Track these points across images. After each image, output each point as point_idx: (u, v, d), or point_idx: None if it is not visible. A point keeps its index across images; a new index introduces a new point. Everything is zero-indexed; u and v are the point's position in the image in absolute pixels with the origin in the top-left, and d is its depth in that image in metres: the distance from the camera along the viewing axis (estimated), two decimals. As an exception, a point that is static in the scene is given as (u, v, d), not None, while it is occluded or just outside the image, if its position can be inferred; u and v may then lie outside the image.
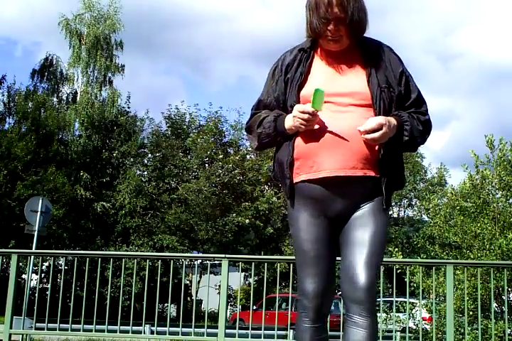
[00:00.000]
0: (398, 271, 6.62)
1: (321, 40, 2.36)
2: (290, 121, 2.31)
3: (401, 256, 8.25)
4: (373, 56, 2.39)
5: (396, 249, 8.33)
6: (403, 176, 2.45)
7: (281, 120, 2.35)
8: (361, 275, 2.21)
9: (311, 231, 2.33)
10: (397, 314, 7.22)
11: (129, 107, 28.30)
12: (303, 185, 2.33)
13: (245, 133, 2.49)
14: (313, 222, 2.33)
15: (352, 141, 2.25)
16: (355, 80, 2.34)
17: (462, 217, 8.37)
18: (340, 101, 2.30)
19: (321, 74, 2.37)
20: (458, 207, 8.50)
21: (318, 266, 2.33)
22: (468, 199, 8.66)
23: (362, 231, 2.28)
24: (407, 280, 5.97)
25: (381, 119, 2.24)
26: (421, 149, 35.48)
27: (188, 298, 24.59)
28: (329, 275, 2.35)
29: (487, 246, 7.88)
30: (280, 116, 2.37)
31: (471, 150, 8.58)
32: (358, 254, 2.25)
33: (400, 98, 2.36)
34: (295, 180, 2.34)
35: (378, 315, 6.80)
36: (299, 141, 2.32)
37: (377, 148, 2.28)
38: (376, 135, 2.22)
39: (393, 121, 2.28)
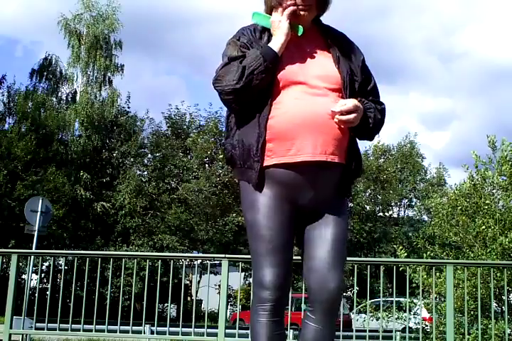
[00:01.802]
0: (401, 269, 6.63)
1: (287, 10, 2.25)
2: (276, 34, 2.23)
3: (404, 255, 8.25)
4: (337, 43, 2.35)
5: (400, 247, 8.35)
6: (362, 165, 2.39)
7: (265, 47, 2.21)
8: (331, 277, 2.16)
9: (274, 218, 2.18)
10: (397, 313, 7.23)
11: (129, 107, 28.36)
12: (274, 169, 2.18)
13: (213, 84, 2.21)
14: (278, 209, 2.19)
15: (330, 126, 2.17)
16: (327, 64, 2.28)
17: (463, 217, 8.37)
18: (315, 83, 2.21)
19: (292, 55, 2.27)
20: (459, 207, 8.51)
21: (280, 256, 2.19)
22: (467, 199, 8.66)
23: (329, 228, 2.21)
24: (407, 280, 5.97)
25: (356, 101, 2.20)
26: (421, 149, 35.52)
27: (188, 298, 24.59)
28: (290, 266, 2.23)
29: (489, 246, 7.89)
30: (263, 47, 2.23)
31: (472, 151, 8.60)
32: (327, 254, 2.18)
33: (360, 86, 2.32)
34: (265, 164, 2.18)
35: (379, 315, 6.81)
36: (273, 121, 2.17)
37: (347, 134, 2.23)
38: (351, 116, 2.16)
39: (361, 105, 2.25)
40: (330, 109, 2.16)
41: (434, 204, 9.13)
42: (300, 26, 2.29)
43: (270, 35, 2.29)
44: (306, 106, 2.17)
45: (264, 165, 2.18)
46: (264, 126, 2.17)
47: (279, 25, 2.24)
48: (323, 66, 2.27)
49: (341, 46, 2.34)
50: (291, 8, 2.23)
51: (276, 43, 2.21)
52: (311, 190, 2.20)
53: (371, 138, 2.37)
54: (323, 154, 2.16)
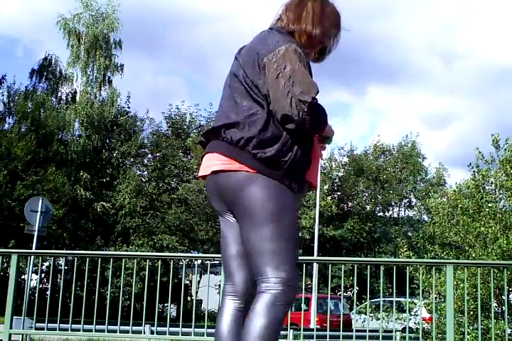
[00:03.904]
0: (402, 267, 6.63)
1: (312, 47, 2.47)
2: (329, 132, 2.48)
3: (407, 253, 8.25)
4: None
5: (405, 248, 8.35)
6: None
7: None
8: None
9: (297, 222, 2.47)
10: (397, 314, 7.23)
11: (128, 107, 28.37)
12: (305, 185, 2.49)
13: (317, 115, 2.29)
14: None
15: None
16: None
17: (464, 217, 8.37)
18: None
19: None
20: (459, 206, 8.51)
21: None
22: (467, 199, 8.66)
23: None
24: (407, 280, 5.96)
25: None
26: (422, 149, 35.52)
27: (188, 298, 24.60)
28: None
29: (489, 246, 7.89)
30: None
31: (476, 148, 8.59)
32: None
33: None
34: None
35: (379, 315, 6.80)
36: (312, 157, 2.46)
37: None
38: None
39: None
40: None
41: (434, 204, 9.13)
42: (330, 138, 2.51)
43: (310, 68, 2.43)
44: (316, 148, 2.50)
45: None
46: (310, 157, 2.41)
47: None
48: None
49: None
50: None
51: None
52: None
53: None
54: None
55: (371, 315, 7.51)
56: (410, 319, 6.74)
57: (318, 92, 2.24)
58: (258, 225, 2.27)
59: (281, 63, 2.23)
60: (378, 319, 6.73)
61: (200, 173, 2.47)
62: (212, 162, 2.37)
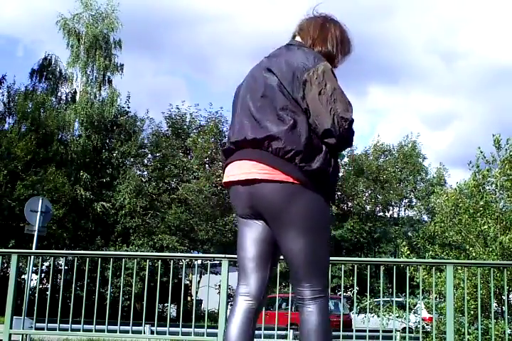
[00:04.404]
0: (401, 266, 6.62)
1: (334, 62, 2.60)
2: None
3: (407, 253, 8.24)
4: None
5: (406, 247, 8.34)
6: None
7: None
8: None
9: None
10: (397, 312, 7.22)
11: (128, 107, 28.36)
12: None
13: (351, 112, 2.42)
14: None
15: None
16: None
17: (466, 216, 8.37)
18: None
19: None
20: (461, 205, 8.51)
21: None
22: (467, 199, 8.66)
23: None
24: (407, 280, 5.97)
25: None
26: (422, 149, 35.52)
27: (188, 298, 24.61)
28: None
29: (490, 245, 7.89)
30: None
31: (478, 147, 8.59)
32: None
33: None
34: None
35: (379, 314, 6.79)
36: None
37: None
38: None
39: None
40: None
41: (437, 202, 9.13)
42: (343, 154, 2.68)
43: None
44: None
45: None
46: None
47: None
48: None
49: None
50: None
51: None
52: None
53: None
54: None
55: (371, 314, 7.50)
56: (410, 320, 6.72)
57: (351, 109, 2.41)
58: (303, 236, 2.36)
59: (321, 80, 2.35)
60: (379, 316, 6.72)
61: (230, 179, 2.49)
62: (251, 170, 2.40)
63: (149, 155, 29.09)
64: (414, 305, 7.74)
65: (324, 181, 2.40)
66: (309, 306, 2.38)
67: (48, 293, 7.04)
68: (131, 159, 27.90)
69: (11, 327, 5.73)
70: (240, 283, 2.54)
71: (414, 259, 8.35)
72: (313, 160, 2.35)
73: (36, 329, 6.41)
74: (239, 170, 2.44)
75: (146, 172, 28.28)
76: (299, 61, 2.40)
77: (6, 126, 25.54)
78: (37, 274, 18.40)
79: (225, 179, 2.52)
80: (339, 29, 2.63)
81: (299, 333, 2.39)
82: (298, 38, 2.64)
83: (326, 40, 2.58)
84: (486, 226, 8.01)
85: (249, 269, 2.50)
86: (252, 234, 2.50)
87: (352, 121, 2.35)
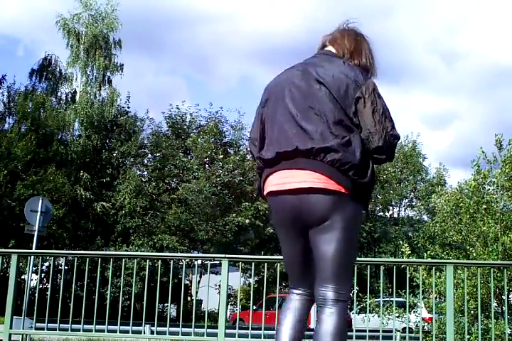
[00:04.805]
0: (402, 267, 6.61)
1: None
2: None
3: (408, 252, 8.23)
4: None
5: (406, 246, 8.32)
6: None
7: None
8: None
9: None
10: (397, 311, 7.21)
11: (128, 107, 28.33)
12: None
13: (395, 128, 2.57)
14: None
15: None
16: None
17: (467, 216, 8.37)
18: None
19: None
20: (461, 205, 8.51)
21: None
22: (467, 199, 8.65)
23: None
24: (407, 280, 5.97)
25: None
26: (422, 149, 35.52)
27: (188, 298, 24.60)
28: None
29: (490, 246, 7.88)
30: None
31: (480, 147, 8.59)
32: None
33: None
34: None
35: (379, 313, 6.78)
36: None
37: None
38: None
39: None
40: None
41: (438, 202, 9.12)
42: None
43: None
44: None
45: None
46: None
47: None
48: None
49: None
50: None
51: None
52: None
53: None
54: None
55: (371, 314, 7.49)
56: (410, 320, 6.71)
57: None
58: (341, 240, 2.49)
59: (373, 98, 2.50)
60: (379, 316, 6.72)
61: (277, 188, 2.55)
62: (304, 178, 2.46)
63: (149, 155, 29.09)
64: (415, 305, 7.73)
65: (367, 193, 2.56)
66: (331, 307, 2.49)
67: (48, 293, 7.04)
68: (131, 159, 27.90)
69: (11, 327, 5.73)
70: (294, 287, 2.75)
71: (414, 259, 8.35)
72: (366, 173, 2.50)
73: (36, 329, 6.41)
74: (291, 178, 2.49)
75: (146, 172, 28.27)
76: (349, 76, 2.51)
77: (6, 126, 25.57)
78: (37, 274, 18.40)
79: (271, 188, 2.57)
80: (369, 44, 2.77)
81: (315, 331, 2.47)
82: (330, 48, 2.73)
83: (361, 53, 2.71)
84: (486, 227, 8.01)
85: (300, 275, 2.72)
86: (300, 243, 2.62)
87: (399, 138, 2.54)
